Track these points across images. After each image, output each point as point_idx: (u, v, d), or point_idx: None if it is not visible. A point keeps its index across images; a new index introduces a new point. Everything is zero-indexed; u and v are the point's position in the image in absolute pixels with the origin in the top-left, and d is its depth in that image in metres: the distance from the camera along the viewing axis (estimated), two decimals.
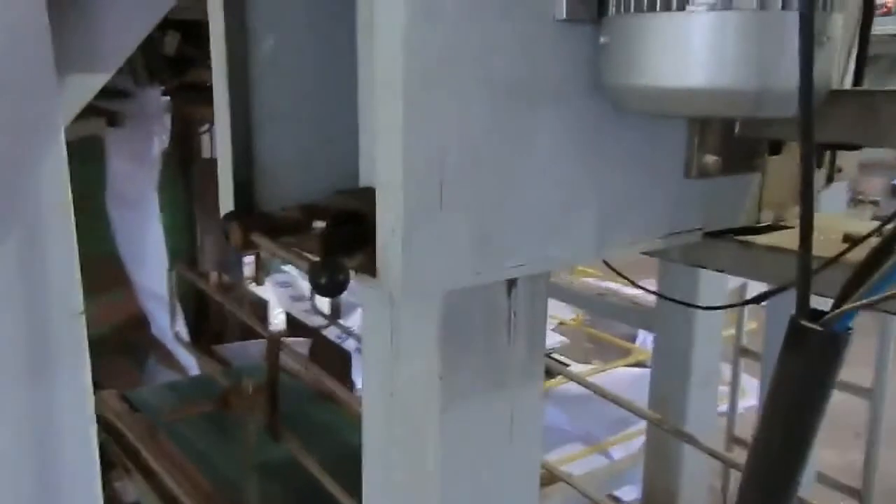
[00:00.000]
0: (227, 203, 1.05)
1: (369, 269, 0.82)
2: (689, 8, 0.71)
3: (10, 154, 1.21)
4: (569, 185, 0.88)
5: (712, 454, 2.27)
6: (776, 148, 1.13)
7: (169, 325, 3.37)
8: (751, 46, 0.71)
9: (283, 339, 2.83)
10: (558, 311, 5.80)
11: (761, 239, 1.13)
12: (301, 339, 4.26)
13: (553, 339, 5.40)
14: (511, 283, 1.02)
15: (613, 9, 0.78)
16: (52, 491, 1.38)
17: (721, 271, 1.18)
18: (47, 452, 1.35)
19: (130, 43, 1.38)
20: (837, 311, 0.73)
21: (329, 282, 0.76)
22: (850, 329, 0.74)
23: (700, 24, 0.71)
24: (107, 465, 3.41)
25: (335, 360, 3.91)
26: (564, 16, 0.81)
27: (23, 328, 1.29)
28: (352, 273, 0.83)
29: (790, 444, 0.78)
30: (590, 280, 4.70)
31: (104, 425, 3.45)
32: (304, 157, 1.08)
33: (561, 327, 6.13)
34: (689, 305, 2.39)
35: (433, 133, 0.76)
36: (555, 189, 0.86)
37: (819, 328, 0.73)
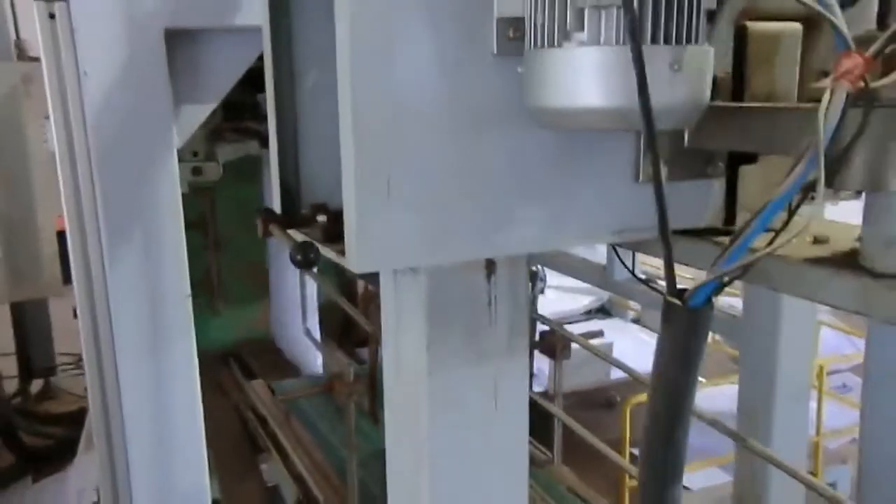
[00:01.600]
0: (276, 203, 1.34)
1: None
2: (565, 45, 0.90)
3: (133, 170, 1.57)
4: (511, 191, 1.07)
5: (793, 475, 2.27)
6: (752, 158, 1.26)
7: (301, 325, 3.76)
8: (617, 73, 0.88)
9: None
10: None
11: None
12: None
13: None
14: (490, 269, 1.22)
15: (527, 45, 0.97)
16: (165, 444, 1.72)
17: (698, 267, 1.31)
18: (161, 409, 1.70)
19: (233, 78, 1.71)
20: (693, 287, 0.88)
21: (303, 258, 1.00)
22: (708, 304, 0.88)
23: (575, 56, 0.90)
24: (257, 449, 3.86)
25: None
26: (495, 51, 1.01)
27: (144, 308, 1.65)
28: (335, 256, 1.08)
29: (668, 406, 0.93)
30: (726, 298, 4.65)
31: (253, 411, 3.91)
32: (335, 164, 1.34)
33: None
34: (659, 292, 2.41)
35: (379, 148, 0.98)
36: (497, 193, 1.06)
37: (679, 304, 0.88)
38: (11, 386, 5.87)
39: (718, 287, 0.90)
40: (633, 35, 0.82)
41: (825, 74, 1.35)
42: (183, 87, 1.61)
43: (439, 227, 1.04)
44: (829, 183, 0.92)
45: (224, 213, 4.44)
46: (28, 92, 4.51)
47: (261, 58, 1.34)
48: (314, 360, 3.98)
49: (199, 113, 1.73)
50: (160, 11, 1.57)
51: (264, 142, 3.82)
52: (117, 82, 1.56)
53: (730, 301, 3.46)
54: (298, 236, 1.21)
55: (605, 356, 2.47)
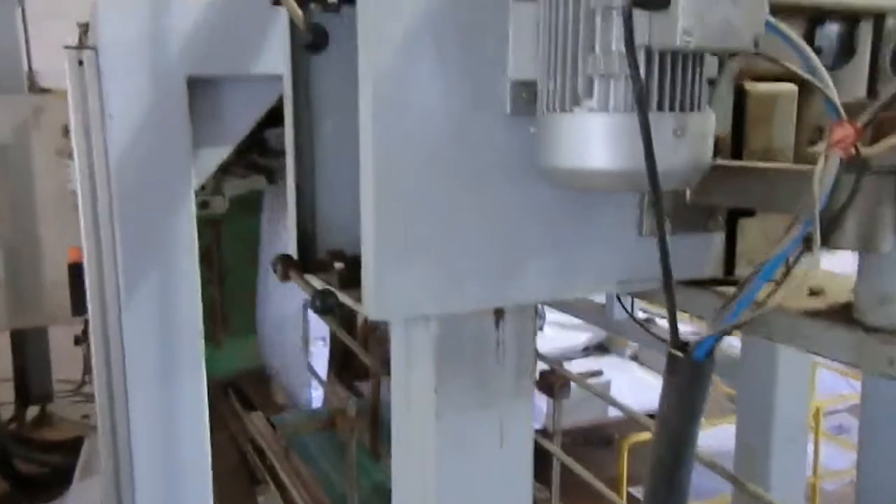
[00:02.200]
0: (292, 248, 1.39)
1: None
2: (575, 110, 0.95)
3: (152, 210, 1.63)
4: (522, 243, 1.12)
5: None
6: (750, 211, 1.31)
7: (304, 359, 3.80)
8: (625, 137, 0.94)
9: None
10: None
11: (734, 290, 1.30)
12: None
13: None
14: (499, 316, 1.26)
15: (539, 107, 1.03)
16: (171, 478, 1.76)
17: (700, 317, 1.36)
18: (169, 444, 1.73)
19: (250, 122, 1.78)
20: (695, 340, 0.93)
21: (322, 305, 1.05)
22: (710, 356, 0.93)
23: (585, 121, 0.95)
24: (255, 480, 3.87)
25: None
26: (509, 111, 1.07)
27: (157, 344, 1.69)
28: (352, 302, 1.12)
29: (672, 453, 0.98)
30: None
31: (252, 444, 3.92)
32: (352, 211, 1.39)
33: None
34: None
35: (397, 202, 1.04)
36: (508, 246, 1.11)
37: (683, 356, 0.93)
38: (7, 412, 5.86)
39: (717, 340, 0.95)
40: (641, 104, 0.88)
41: (820, 130, 1.42)
42: (202, 131, 1.68)
43: (453, 277, 1.09)
44: (825, 242, 0.97)
45: (226, 244, 4.49)
46: (38, 123, 4.59)
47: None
48: (311, 392, 4.01)
49: (216, 155, 1.79)
50: (184, 60, 1.64)
51: (270, 177, 3.87)
52: (140, 126, 1.63)
53: (727, 340, 3.50)
54: (315, 281, 1.26)
55: (605, 396, 2.51)
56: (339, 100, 1.37)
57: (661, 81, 0.92)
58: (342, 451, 3.22)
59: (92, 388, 5.44)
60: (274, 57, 1.72)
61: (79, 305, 2.82)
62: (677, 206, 1.22)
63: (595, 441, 5.40)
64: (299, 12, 1.08)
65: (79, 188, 1.71)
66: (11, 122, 4.49)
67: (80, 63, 1.66)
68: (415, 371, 1.28)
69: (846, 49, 1.42)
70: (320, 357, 4.49)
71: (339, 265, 1.21)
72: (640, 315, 3.85)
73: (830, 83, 0.91)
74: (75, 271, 2.76)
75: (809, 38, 1.38)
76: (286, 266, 1.23)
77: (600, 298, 3.67)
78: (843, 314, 1.11)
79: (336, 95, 1.37)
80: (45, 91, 5.72)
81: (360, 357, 5.04)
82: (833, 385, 5.90)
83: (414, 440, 1.32)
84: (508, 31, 1.06)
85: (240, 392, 4.52)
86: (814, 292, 1.22)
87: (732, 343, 3.20)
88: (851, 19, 1.39)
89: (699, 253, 1.27)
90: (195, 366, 1.73)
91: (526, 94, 1.07)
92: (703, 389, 0.94)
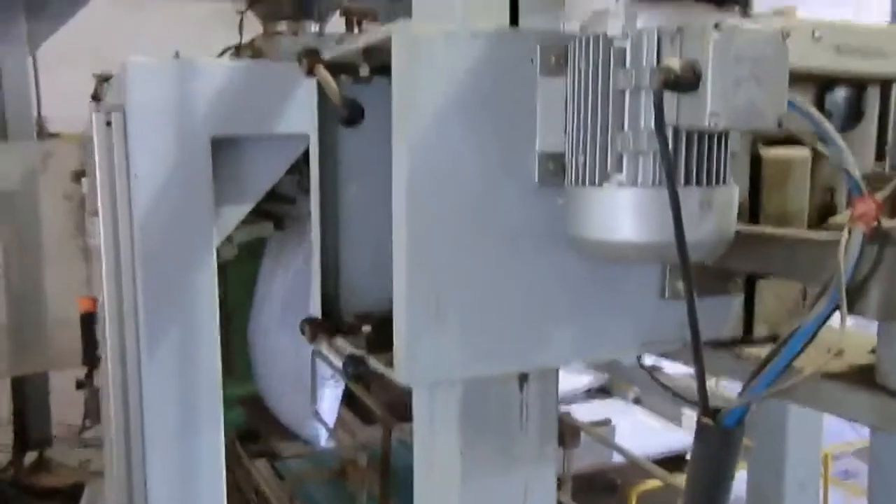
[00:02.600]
0: (316, 309, 1.41)
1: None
2: (606, 185, 0.99)
3: (174, 266, 1.65)
4: (549, 309, 1.15)
5: None
6: (765, 274, 1.34)
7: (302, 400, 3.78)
8: (653, 211, 0.97)
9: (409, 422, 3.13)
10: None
11: (753, 350, 1.33)
12: None
13: (690, 440, 5.36)
14: (523, 379, 1.28)
15: (567, 179, 1.06)
16: None
17: (719, 377, 1.38)
18: (187, 492, 1.73)
19: (271, 180, 1.81)
20: (725, 409, 0.95)
21: (354, 371, 1.07)
22: (740, 424, 0.95)
23: (615, 195, 0.99)
24: None
25: None
26: (537, 181, 1.10)
27: (178, 393, 1.70)
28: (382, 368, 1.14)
29: None
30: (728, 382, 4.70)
31: (257, 492, 3.89)
32: (375, 274, 1.42)
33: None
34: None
35: (430, 269, 1.06)
36: (535, 311, 1.14)
37: (712, 424, 0.95)
38: (5, 457, 5.81)
39: (747, 410, 0.96)
40: (671, 179, 0.91)
41: (830, 190, 1.45)
42: (224, 189, 1.71)
43: (482, 342, 1.11)
44: (849, 311, 1.00)
45: (232, 288, 4.50)
46: (45, 167, 4.63)
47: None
48: (317, 430, 3.98)
49: (237, 213, 1.83)
50: (209, 121, 1.68)
51: (278, 223, 3.90)
52: (165, 185, 1.66)
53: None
54: (342, 343, 1.28)
55: (617, 447, 2.51)
56: (364, 165, 1.40)
57: (689, 158, 0.96)
58: (350, 500, 3.20)
59: (93, 434, 5.40)
60: (295, 117, 1.77)
61: (90, 354, 2.83)
62: (698, 270, 1.24)
63: (598, 488, 5.36)
64: (335, 87, 1.12)
65: (102, 244, 1.74)
66: (21, 169, 4.53)
67: (108, 124, 1.70)
68: (439, 434, 1.29)
69: (855, 113, 1.47)
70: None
71: (366, 328, 1.23)
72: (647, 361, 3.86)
73: (853, 161, 0.94)
74: (87, 321, 2.77)
75: (819, 103, 1.42)
76: (314, 329, 1.25)
77: None
78: (865, 377, 1.14)
79: (361, 160, 1.40)
80: (53, 136, 5.79)
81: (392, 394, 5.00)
82: (838, 428, 5.87)
83: (437, 500, 1.33)
84: (536, 105, 1.09)
85: (244, 437, 4.49)
86: (834, 354, 1.24)
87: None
88: (859, 85, 1.44)
89: (719, 315, 1.30)
90: (214, 420, 1.74)
91: (553, 166, 1.10)
92: (733, 456, 0.96)
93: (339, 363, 1.13)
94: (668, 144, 0.89)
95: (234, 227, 1.86)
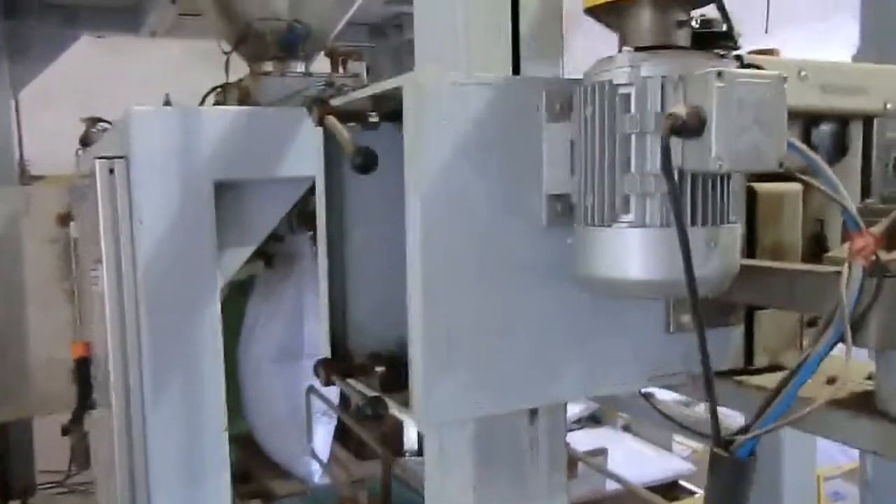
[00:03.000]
0: (325, 349, 1.43)
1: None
2: (614, 225, 1.02)
3: (178, 310, 1.67)
4: (558, 345, 1.18)
5: None
6: (764, 305, 1.38)
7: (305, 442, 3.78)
8: (661, 250, 1.01)
9: (402, 457, 3.14)
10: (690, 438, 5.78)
11: (753, 379, 1.37)
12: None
13: (681, 466, 5.39)
14: (533, 414, 1.31)
15: (576, 220, 1.10)
16: None
17: (723, 406, 1.41)
18: None
19: (273, 222, 1.84)
20: (739, 440, 0.98)
21: (372, 413, 1.09)
22: (752, 454, 0.98)
23: (623, 235, 1.02)
24: None
25: None
26: (545, 222, 1.14)
27: (183, 440, 1.71)
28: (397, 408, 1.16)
29: None
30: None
31: None
32: (382, 314, 1.44)
33: (694, 455, 6.07)
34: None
35: (444, 311, 1.09)
36: (545, 348, 1.17)
37: (726, 455, 0.98)
38: None
39: (758, 439, 1.00)
40: (680, 220, 0.95)
41: (819, 221, 1.50)
42: (227, 233, 1.73)
43: (494, 380, 1.14)
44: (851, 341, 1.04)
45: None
46: (28, 210, 4.61)
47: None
48: (311, 466, 3.96)
49: (240, 255, 1.85)
50: (211, 166, 1.71)
51: (268, 261, 3.92)
52: (169, 230, 1.68)
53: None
54: (355, 384, 1.29)
55: (617, 477, 2.53)
56: (370, 207, 1.43)
57: (694, 199, 1.00)
58: None
59: (79, 479, 5.31)
60: (294, 160, 1.80)
61: (85, 400, 2.81)
62: (701, 303, 1.28)
63: None
64: (347, 136, 1.15)
65: (106, 289, 1.75)
66: (4, 213, 4.51)
67: (111, 171, 1.72)
68: (451, 471, 1.31)
69: (839, 148, 1.52)
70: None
71: (380, 369, 1.25)
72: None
73: (850, 201, 0.99)
74: (81, 365, 2.76)
75: (806, 138, 1.48)
76: (328, 370, 1.26)
77: None
78: (865, 404, 1.17)
79: (367, 203, 1.43)
80: (35, 178, 5.78)
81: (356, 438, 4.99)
82: (827, 450, 5.93)
83: None
84: (542, 149, 1.13)
85: (235, 477, 4.45)
86: (830, 380, 1.28)
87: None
88: (842, 121, 1.50)
89: (721, 345, 1.34)
90: (220, 463, 1.74)
91: (560, 207, 1.14)
92: (746, 486, 0.99)
93: (335, 402, 1.15)
94: (676, 188, 0.93)
95: (237, 269, 1.88)
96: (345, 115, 1.25)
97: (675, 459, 5.50)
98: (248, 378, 4.26)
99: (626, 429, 6.18)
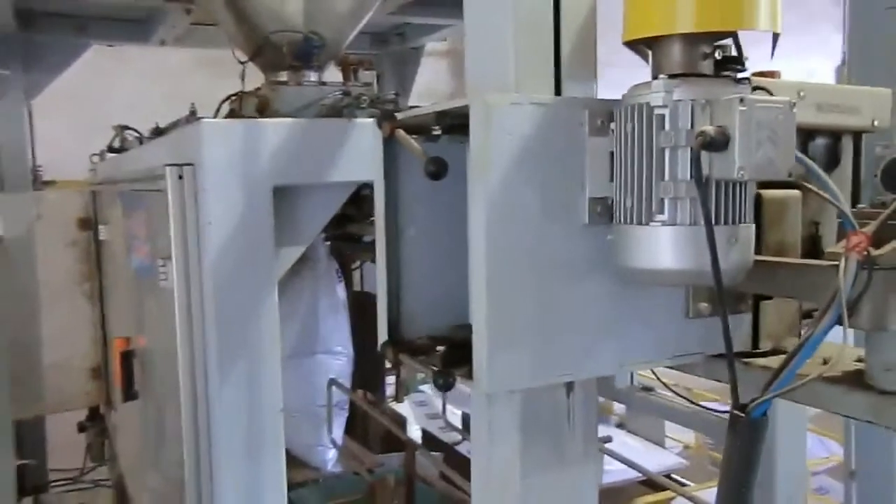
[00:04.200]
0: (383, 334, 1.62)
1: (470, 376, 1.34)
2: (651, 224, 1.22)
3: (242, 301, 1.85)
4: (599, 327, 1.37)
5: None
6: (769, 296, 1.58)
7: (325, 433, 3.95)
8: (689, 244, 1.21)
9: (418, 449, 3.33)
10: (682, 434, 5.99)
11: (759, 361, 1.57)
12: (435, 453, 4.73)
13: (674, 461, 5.60)
14: (569, 388, 1.50)
15: (616, 219, 1.30)
16: None
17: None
18: None
19: (322, 223, 2.02)
20: (754, 402, 1.18)
21: (443, 383, 1.28)
22: (765, 416, 1.18)
23: (658, 232, 1.22)
24: None
25: (466, 472, 4.33)
26: (587, 221, 1.34)
27: (244, 420, 1.88)
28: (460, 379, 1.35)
29: (735, 497, 1.21)
30: (713, 404, 4.96)
31: None
32: (434, 302, 1.63)
33: (686, 451, 6.29)
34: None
35: (503, 299, 1.28)
36: (588, 329, 1.36)
37: (742, 415, 1.18)
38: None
39: (771, 402, 1.19)
40: (708, 222, 1.15)
41: (815, 223, 1.71)
42: (282, 233, 1.92)
43: (542, 355, 1.33)
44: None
45: None
46: (40, 214, 4.75)
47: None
48: (325, 455, 4.13)
49: (293, 253, 2.04)
50: (271, 172, 1.90)
51: None
52: (233, 230, 1.86)
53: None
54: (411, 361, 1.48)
55: (624, 459, 2.72)
56: (420, 210, 1.62)
57: (718, 202, 1.20)
58: None
59: (94, 476, 5.43)
60: (343, 166, 1.99)
61: (129, 392, 2.98)
62: (713, 293, 1.48)
63: None
64: (418, 148, 1.34)
65: (175, 286, 1.93)
66: (19, 219, 4.63)
67: (181, 177, 1.90)
68: (499, 442, 1.50)
69: (832, 159, 1.73)
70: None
71: (440, 349, 1.44)
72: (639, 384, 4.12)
73: (848, 206, 1.19)
74: (125, 359, 2.93)
75: (804, 150, 1.69)
76: (395, 350, 1.46)
77: None
78: (857, 380, 1.37)
79: (417, 206, 1.62)
80: (46, 183, 5.93)
81: (359, 432, 5.15)
82: (811, 448, 6.17)
83: (497, 500, 1.53)
84: (585, 159, 1.33)
85: None
86: (825, 361, 1.48)
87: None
88: (835, 136, 1.71)
89: (733, 330, 1.53)
90: (277, 442, 1.92)
91: (600, 208, 1.33)
92: (760, 442, 1.18)
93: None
94: (706, 194, 1.13)
95: (290, 265, 2.07)
96: (410, 129, 1.45)
97: (668, 454, 5.70)
98: None
99: (620, 426, 6.39)
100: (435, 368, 1.34)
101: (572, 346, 1.36)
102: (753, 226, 1.27)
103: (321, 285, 3.97)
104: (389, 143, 1.53)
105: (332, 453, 3.98)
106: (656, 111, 1.20)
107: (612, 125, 1.31)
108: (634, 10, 1.26)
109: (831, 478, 6.03)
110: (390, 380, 5.18)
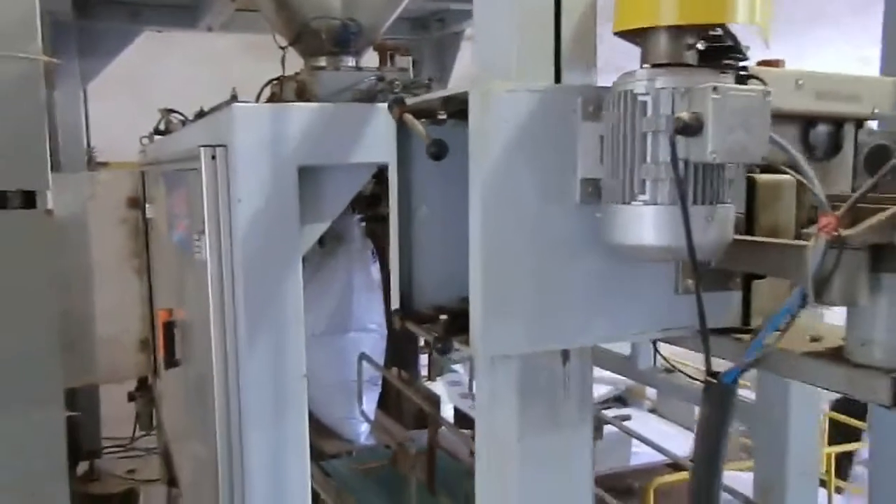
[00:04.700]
0: (395, 303, 1.74)
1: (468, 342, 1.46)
2: (633, 203, 1.32)
3: (269, 274, 1.99)
4: (587, 299, 1.47)
5: None
6: (762, 275, 1.66)
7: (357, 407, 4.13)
8: (669, 222, 1.30)
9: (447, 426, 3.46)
10: None
11: (749, 336, 1.65)
12: (465, 430, 4.87)
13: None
14: (565, 356, 1.61)
15: (603, 198, 1.40)
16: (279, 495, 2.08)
17: (722, 357, 1.70)
18: (280, 466, 2.06)
19: (344, 202, 2.15)
20: (724, 371, 1.27)
21: (442, 347, 1.40)
22: (735, 382, 1.27)
23: (640, 211, 1.32)
24: None
25: None
26: (578, 200, 1.44)
27: (270, 384, 2.03)
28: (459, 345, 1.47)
29: (706, 461, 1.31)
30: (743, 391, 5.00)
31: None
32: (442, 276, 1.75)
33: None
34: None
35: (498, 271, 1.39)
36: (576, 301, 1.46)
37: (714, 381, 1.27)
38: None
39: (741, 372, 1.29)
40: (683, 200, 1.24)
41: (815, 208, 1.77)
42: (307, 211, 2.06)
43: (536, 325, 1.44)
44: (818, 299, 1.32)
45: None
46: (94, 194, 4.97)
47: None
48: (358, 428, 4.29)
49: (317, 230, 2.18)
50: (296, 153, 2.04)
51: (320, 241, 4.22)
52: (262, 207, 2.01)
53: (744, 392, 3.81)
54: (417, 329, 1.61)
55: (639, 436, 2.82)
56: (430, 192, 1.73)
57: (695, 183, 1.29)
58: (392, 492, 3.52)
59: (145, 444, 5.68)
60: (365, 148, 2.11)
61: (171, 360, 3.17)
62: (705, 270, 1.57)
63: (616, 490, 5.62)
64: (422, 130, 1.46)
65: (208, 258, 2.08)
66: (74, 199, 4.85)
67: (213, 157, 2.05)
68: (499, 405, 1.62)
69: (834, 146, 1.79)
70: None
71: (443, 317, 1.55)
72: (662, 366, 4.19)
73: (818, 184, 1.27)
74: (168, 329, 3.12)
75: (805, 137, 1.75)
76: (402, 318, 1.58)
77: (625, 350, 4.02)
78: (836, 355, 1.45)
79: (427, 188, 1.74)
80: (100, 164, 6.19)
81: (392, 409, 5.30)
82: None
83: (497, 459, 1.65)
84: (577, 143, 1.43)
85: None
86: (814, 339, 1.56)
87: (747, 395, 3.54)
88: (836, 123, 1.76)
89: (722, 307, 1.62)
90: (300, 408, 2.07)
91: (591, 189, 1.43)
92: (730, 407, 1.28)
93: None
94: (681, 175, 1.22)
95: (314, 241, 2.20)
96: (419, 113, 1.56)
97: None
98: None
99: (652, 411, 6.44)
100: (436, 335, 1.46)
101: (565, 316, 1.46)
102: (732, 207, 1.35)
103: (355, 265, 4.12)
104: (403, 127, 1.65)
105: (364, 426, 4.14)
106: (640, 98, 1.30)
107: (603, 111, 1.41)
108: (623, 3, 1.35)
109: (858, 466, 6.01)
110: (425, 360, 5.33)
